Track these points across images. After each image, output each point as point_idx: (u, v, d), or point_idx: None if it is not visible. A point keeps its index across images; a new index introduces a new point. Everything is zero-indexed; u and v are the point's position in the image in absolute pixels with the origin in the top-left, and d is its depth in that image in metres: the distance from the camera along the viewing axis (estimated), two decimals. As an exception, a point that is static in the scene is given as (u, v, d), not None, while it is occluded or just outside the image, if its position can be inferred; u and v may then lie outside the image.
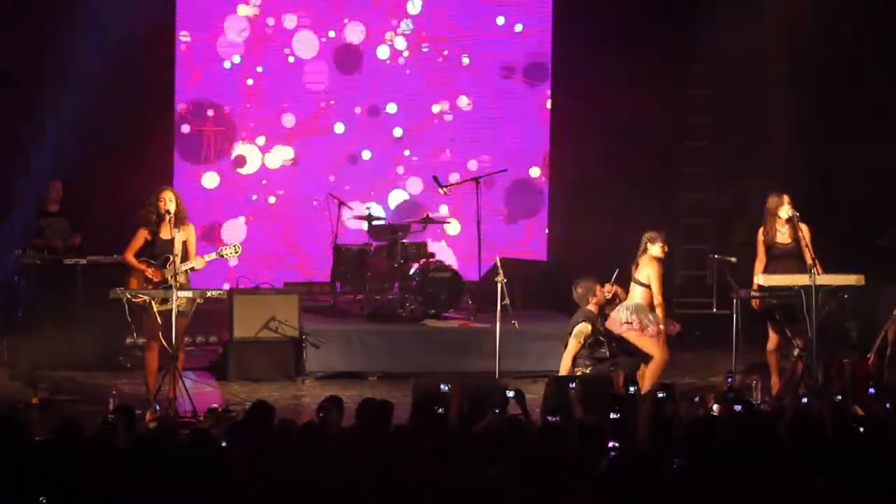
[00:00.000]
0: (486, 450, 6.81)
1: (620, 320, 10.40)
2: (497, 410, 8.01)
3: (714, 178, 14.77)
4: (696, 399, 8.75)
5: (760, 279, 10.68)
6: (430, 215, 13.52)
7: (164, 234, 10.23)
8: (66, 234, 12.37)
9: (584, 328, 10.28)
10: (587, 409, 8.32)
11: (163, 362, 10.20)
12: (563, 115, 14.79)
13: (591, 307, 10.39)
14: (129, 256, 10.30)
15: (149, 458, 6.45)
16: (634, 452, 6.89)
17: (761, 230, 10.89)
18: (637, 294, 10.45)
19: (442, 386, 8.49)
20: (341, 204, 13.34)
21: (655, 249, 10.46)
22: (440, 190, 13.27)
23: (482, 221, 12.87)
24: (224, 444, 6.82)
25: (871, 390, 9.17)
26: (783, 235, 10.79)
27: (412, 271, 12.75)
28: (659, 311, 10.38)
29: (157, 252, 10.25)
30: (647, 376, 10.31)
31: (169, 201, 10.25)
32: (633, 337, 10.40)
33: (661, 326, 10.35)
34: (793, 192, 10.87)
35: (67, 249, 12.22)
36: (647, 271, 10.39)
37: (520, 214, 15.07)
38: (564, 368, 10.26)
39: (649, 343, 10.37)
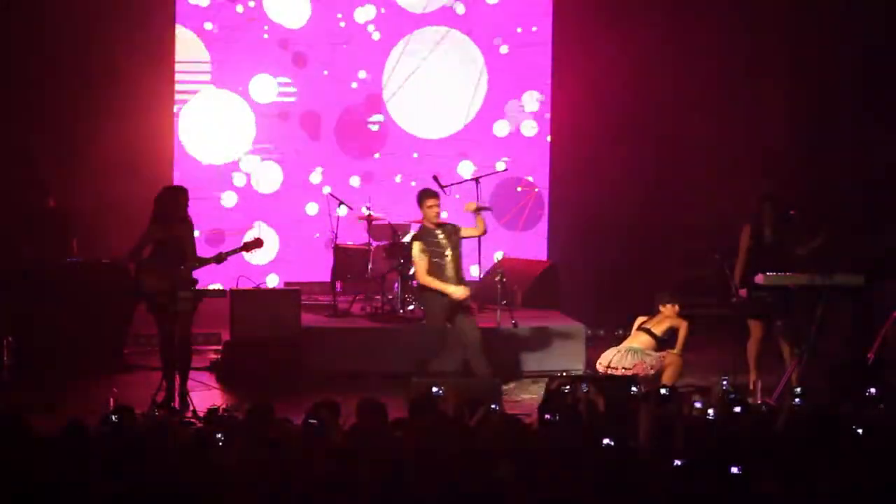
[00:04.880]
0: (486, 449, 6.82)
1: (622, 365, 10.87)
2: (495, 406, 8.07)
3: (716, 178, 14.76)
4: (697, 401, 8.77)
5: (760, 278, 10.75)
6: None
7: (167, 232, 10.22)
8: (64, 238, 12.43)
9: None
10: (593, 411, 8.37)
11: (165, 363, 10.28)
12: (564, 114, 14.82)
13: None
14: (134, 256, 10.30)
15: (148, 457, 6.46)
16: (634, 452, 6.91)
17: None
18: (639, 339, 11.05)
19: (434, 389, 8.57)
20: (341, 203, 13.34)
21: (668, 309, 11.14)
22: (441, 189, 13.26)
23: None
24: (223, 444, 6.83)
25: (872, 390, 9.17)
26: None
27: (412, 271, 12.74)
28: (683, 331, 11.03)
29: (160, 251, 10.24)
30: (666, 379, 10.74)
31: (171, 200, 10.27)
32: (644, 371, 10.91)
33: (679, 347, 11.00)
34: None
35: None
36: (665, 326, 11.06)
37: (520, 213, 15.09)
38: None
39: (659, 362, 10.94)
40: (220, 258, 10.33)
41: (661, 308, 11.13)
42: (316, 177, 14.59)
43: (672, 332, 11.04)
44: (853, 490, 6.36)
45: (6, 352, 11.78)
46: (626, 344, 11.05)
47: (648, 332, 11.05)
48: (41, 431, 7.14)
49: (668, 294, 11.20)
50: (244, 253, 10.61)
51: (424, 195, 10.91)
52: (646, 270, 14.02)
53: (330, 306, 13.06)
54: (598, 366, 11.01)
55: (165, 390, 10.24)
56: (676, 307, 11.12)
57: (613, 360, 10.86)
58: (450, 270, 10.78)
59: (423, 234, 10.85)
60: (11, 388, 11.07)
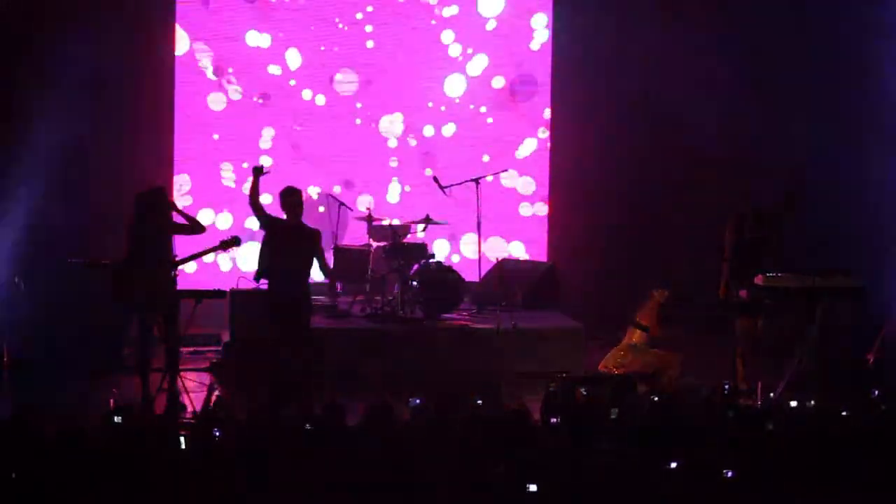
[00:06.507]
0: (489, 449, 6.83)
1: (622, 364, 11.17)
2: (479, 402, 8.10)
3: (716, 178, 14.75)
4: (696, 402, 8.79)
5: (759, 278, 10.77)
6: (430, 216, 13.50)
7: (145, 233, 10.20)
8: None
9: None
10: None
11: (161, 363, 10.28)
12: (563, 113, 14.82)
13: None
14: (130, 257, 10.29)
15: (146, 456, 6.47)
16: (630, 454, 6.91)
17: None
18: (635, 335, 11.36)
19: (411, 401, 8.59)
20: (341, 205, 13.35)
21: (659, 295, 11.46)
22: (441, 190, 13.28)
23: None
24: (222, 444, 6.84)
25: (875, 392, 9.17)
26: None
27: (412, 271, 12.76)
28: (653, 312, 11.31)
29: (139, 253, 10.21)
30: (666, 380, 10.91)
31: (146, 202, 10.26)
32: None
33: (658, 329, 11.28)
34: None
35: None
36: (653, 315, 11.36)
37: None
38: None
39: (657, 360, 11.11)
40: (191, 258, 10.29)
41: (653, 293, 11.28)
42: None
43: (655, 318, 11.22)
44: (853, 490, 6.37)
45: (6, 352, 11.80)
46: (624, 342, 11.15)
47: (639, 325, 11.22)
48: (42, 432, 7.15)
49: (660, 290, 11.37)
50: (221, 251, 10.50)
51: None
52: (646, 271, 14.01)
53: (330, 306, 13.05)
54: (600, 367, 11.10)
55: (142, 388, 10.20)
56: (666, 293, 11.26)
57: (614, 360, 10.99)
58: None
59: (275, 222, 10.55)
60: (11, 388, 11.08)
